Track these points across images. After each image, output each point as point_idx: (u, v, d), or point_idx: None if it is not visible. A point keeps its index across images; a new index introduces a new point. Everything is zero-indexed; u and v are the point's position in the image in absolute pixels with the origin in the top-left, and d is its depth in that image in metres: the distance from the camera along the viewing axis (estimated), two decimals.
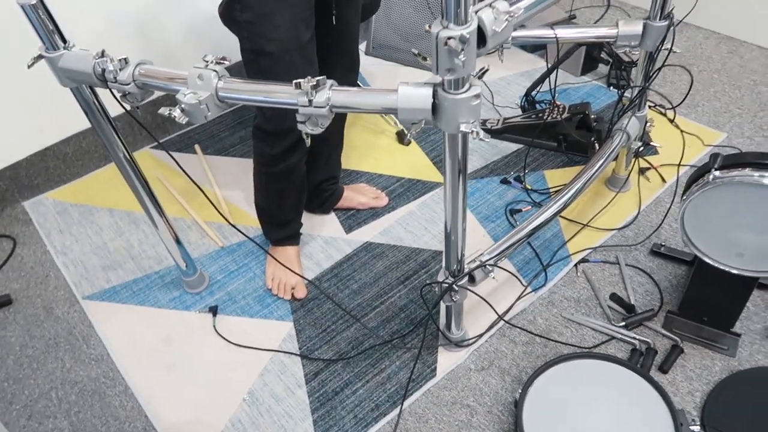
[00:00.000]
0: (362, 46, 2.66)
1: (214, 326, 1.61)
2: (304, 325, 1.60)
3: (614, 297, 1.56)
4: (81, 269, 1.81)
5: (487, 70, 0.98)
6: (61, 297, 1.74)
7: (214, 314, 1.64)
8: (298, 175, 1.59)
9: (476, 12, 0.89)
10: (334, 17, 1.41)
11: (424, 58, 0.93)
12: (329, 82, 1.00)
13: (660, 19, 1.49)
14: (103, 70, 1.10)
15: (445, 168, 1.10)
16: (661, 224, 1.76)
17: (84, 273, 1.80)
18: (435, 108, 0.97)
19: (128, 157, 1.40)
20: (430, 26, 0.88)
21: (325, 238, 1.83)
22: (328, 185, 1.84)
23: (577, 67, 2.42)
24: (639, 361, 1.43)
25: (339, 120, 1.73)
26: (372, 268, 1.73)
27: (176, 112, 1.03)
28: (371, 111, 1.02)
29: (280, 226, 1.71)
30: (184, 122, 1.04)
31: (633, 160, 1.85)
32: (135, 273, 1.78)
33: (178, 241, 1.60)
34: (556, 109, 2.09)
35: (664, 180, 1.92)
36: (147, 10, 2.04)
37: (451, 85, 0.93)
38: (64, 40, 1.14)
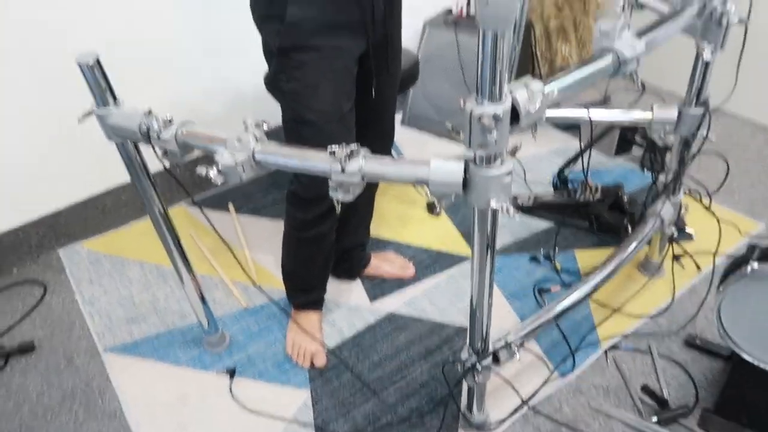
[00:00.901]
0: (398, 116, 2.73)
1: (230, 389, 1.58)
2: (322, 394, 1.56)
3: (646, 389, 1.49)
4: (106, 320, 1.82)
5: (519, 148, 0.99)
6: (83, 347, 1.75)
7: (232, 376, 1.62)
8: (327, 242, 1.59)
9: (511, 91, 0.91)
10: (374, 89, 1.45)
11: (458, 133, 0.94)
12: (362, 150, 1.02)
13: (695, 106, 1.50)
14: (148, 128, 1.14)
15: (473, 243, 1.09)
16: (696, 314, 1.70)
17: (108, 324, 1.81)
18: (466, 182, 0.97)
19: (163, 212, 1.43)
20: (464, 102, 0.89)
21: (348, 306, 1.81)
22: (355, 252, 1.85)
23: (610, 148, 2.43)
24: None
25: (370, 188, 1.75)
26: (394, 341, 1.69)
27: (212, 172, 1.06)
28: (403, 181, 1.03)
29: (304, 291, 1.70)
30: (219, 183, 1.06)
31: (667, 245, 1.81)
32: (158, 327, 1.79)
33: (202, 299, 1.60)
34: (588, 188, 2.08)
35: (699, 268, 1.87)
36: (196, 79, 2.15)
37: (482, 160, 0.94)
38: (115, 99, 1.20)
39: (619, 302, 1.76)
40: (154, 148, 1.18)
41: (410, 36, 2.58)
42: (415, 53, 2.14)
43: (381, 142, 1.60)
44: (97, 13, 1.85)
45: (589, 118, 1.62)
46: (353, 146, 1.01)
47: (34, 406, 1.59)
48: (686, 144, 1.58)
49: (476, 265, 1.11)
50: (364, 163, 1.01)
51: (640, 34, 1.15)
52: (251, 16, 1.33)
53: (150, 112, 1.16)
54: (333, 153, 1.00)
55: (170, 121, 1.14)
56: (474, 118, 0.88)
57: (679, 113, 1.52)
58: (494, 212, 1.03)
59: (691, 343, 1.61)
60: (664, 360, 1.58)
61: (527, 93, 0.93)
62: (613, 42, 1.08)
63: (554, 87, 0.98)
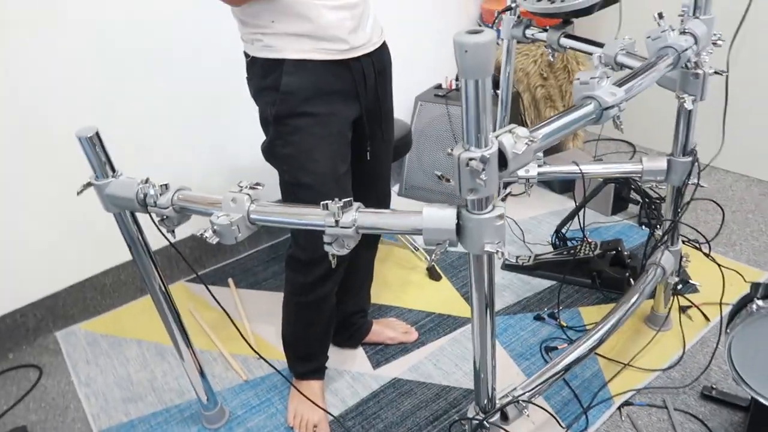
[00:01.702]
0: (395, 188, 2.78)
1: None
2: None
3: None
4: (102, 401, 1.77)
5: (509, 192, 1.00)
6: (77, 430, 1.68)
7: None
8: (328, 306, 1.57)
9: (497, 137, 0.93)
10: (368, 153, 1.49)
11: (447, 180, 0.96)
12: (356, 204, 1.03)
13: (683, 155, 1.53)
14: (145, 195, 1.16)
15: (471, 293, 1.08)
16: (709, 365, 1.65)
17: (104, 405, 1.75)
18: (459, 229, 0.97)
19: (163, 288, 1.42)
20: (452, 149, 0.91)
21: (351, 374, 1.77)
22: (356, 318, 1.82)
23: (607, 206, 2.45)
24: None
25: (369, 252, 1.76)
26: (399, 407, 1.64)
27: (208, 233, 1.07)
28: (397, 232, 1.04)
29: (305, 360, 1.66)
30: (214, 242, 1.07)
31: (672, 297, 1.78)
32: (155, 406, 1.73)
33: (202, 374, 1.56)
34: (587, 245, 2.08)
35: (707, 318, 1.83)
36: (195, 154, 2.21)
37: (474, 205, 0.95)
38: (113, 170, 1.23)
39: (628, 357, 1.71)
40: (151, 216, 1.20)
41: (403, 111, 2.67)
42: (407, 123, 2.21)
43: (376, 207, 1.61)
44: (93, 89, 1.91)
45: (581, 171, 1.65)
46: (346, 200, 1.02)
47: None
48: (679, 193, 1.60)
49: (476, 313, 1.09)
50: (357, 215, 1.02)
51: (620, 84, 1.19)
52: (247, 90, 1.39)
53: (147, 180, 1.18)
54: (326, 206, 1.02)
55: (166, 186, 1.16)
56: (462, 163, 0.89)
57: (669, 163, 1.55)
58: (490, 258, 1.02)
59: (707, 395, 1.55)
60: (681, 414, 1.52)
61: (513, 138, 0.96)
62: (594, 90, 1.11)
63: (539, 132, 1.00)
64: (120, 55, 1.93)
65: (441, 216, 0.98)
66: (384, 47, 1.45)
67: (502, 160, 0.95)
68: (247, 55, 1.34)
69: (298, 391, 1.59)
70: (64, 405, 1.78)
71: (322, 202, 1.02)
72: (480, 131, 0.89)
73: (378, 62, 1.40)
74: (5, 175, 1.84)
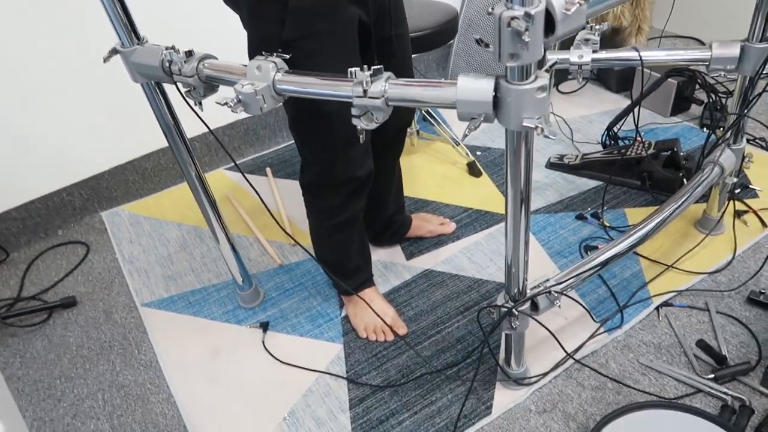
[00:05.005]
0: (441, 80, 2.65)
1: (263, 342, 1.57)
2: (354, 348, 1.52)
3: (702, 344, 1.37)
4: (144, 278, 1.84)
5: (556, 63, 0.90)
6: (122, 303, 1.77)
7: (265, 330, 1.60)
8: (360, 222, 1.49)
9: None
10: (376, 54, 1.29)
11: (487, 45, 0.87)
12: (386, 74, 0.96)
13: (760, 42, 1.36)
14: (170, 63, 1.12)
15: (506, 176, 1.02)
16: (760, 270, 1.56)
17: (146, 281, 1.82)
18: (497, 102, 0.90)
19: (199, 175, 1.41)
20: (492, 8, 0.82)
21: (384, 263, 1.76)
22: (397, 216, 1.77)
23: (666, 106, 2.27)
24: (731, 419, 1.23)
25: (393, 154, 1.62)
26: (430, 296, 1.64)
27: (232, 102, 1.02)
28: (429, 104, 0.96)
29: (352, 275, 1.57)
30: (239, 112, 1.02)
31: (727, 201, 1.67)
32: (193, 285, 1.79)
33: (237, 256, 1.58)
34: (640, 144, 1.95)
35: (765, 224, 1.72)
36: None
37: (514, 74, 0.86)
38: (138, 37, 1.18)
39: (673, 259, 1.64)
40: (177, 86, 1.16)
41: None
42: (453, 7, 2.05)
43: (404, 112, 1.49)
44: None
45: (640, 58, 1.50)
46: (375, 67, 0.95)
47: (74, 357, 1.61)
48: (750, 84, 1.44)
49: (510, 192, 1.03)
50: (387, 85, 0.95)
51: None
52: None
53: (173, 47, 1.13)
54: (354, 74, 0.95)
55: (191, 53, 1.11)
56: (503, 23, 0.80)
57: (742, 50, 1.39)
58: (528, 136, 0.95)
59: (754, 300, 1.48)
60: (723, 317, 1.46)
61: None
62: None
63: None
64: None
65: (477, 87, 0.90)
66: None
67: (550, 22, 0.85)
68: None
69: (356, 307, 1.56)
70: (109, 279, 1.86)
71: (349, 69, 0.95)
72: None
73: None
74: (38, 53, 1.82)
